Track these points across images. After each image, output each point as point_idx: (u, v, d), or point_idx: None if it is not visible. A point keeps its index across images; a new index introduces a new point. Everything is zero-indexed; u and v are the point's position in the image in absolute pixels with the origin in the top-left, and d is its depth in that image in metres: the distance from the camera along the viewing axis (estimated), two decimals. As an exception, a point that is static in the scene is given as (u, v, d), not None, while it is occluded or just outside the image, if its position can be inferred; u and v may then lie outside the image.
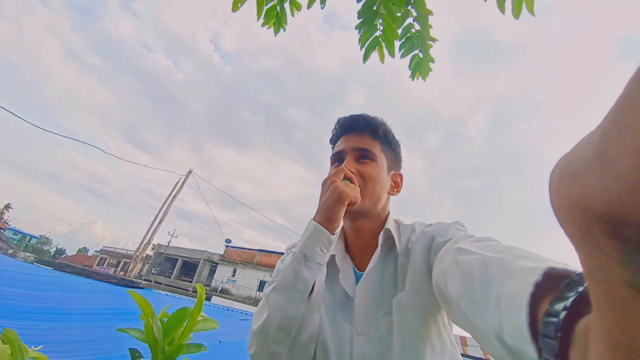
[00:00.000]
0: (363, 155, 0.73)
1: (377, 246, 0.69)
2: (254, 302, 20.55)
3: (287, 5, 1.34)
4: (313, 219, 0.64)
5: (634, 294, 0.11)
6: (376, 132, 0.75)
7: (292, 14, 1.37)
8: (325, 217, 0.63)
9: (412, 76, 1.39)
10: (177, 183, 13.64)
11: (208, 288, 24.36)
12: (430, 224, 0.71)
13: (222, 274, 25.37)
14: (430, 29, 1.23)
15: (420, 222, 0.74)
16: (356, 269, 0.72)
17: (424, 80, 1.40)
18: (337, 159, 0.76)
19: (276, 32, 1.40)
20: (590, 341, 0.16)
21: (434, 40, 1.27)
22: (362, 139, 0.74)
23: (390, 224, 0.72)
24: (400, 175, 0.81)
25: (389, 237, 0.70)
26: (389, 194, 0.76)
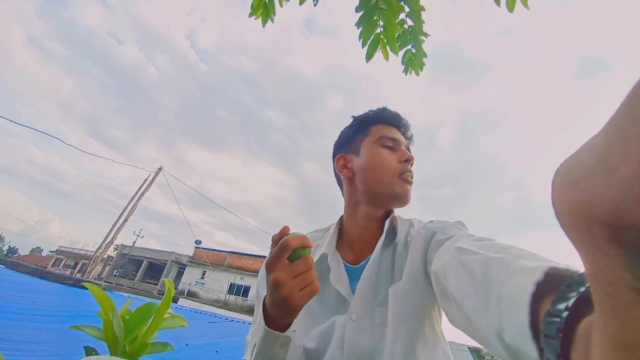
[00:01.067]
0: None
1: (378, 235, 0.69)
2: (223, 304, 20.01)
3: None
4: (264, 311, 0.54)
5: (637, 296, 0.11)
6: (411, 140, 0.80)
7: (281, 5, 1.36)
8: (283, 322, 0.54)
9: (405, 71, 1.40)
10: (146, 180, 13.01)
11: (175, 291, 23.35)
12: (432, 221, 0.71)
13: (191, 276, 24.50)
14: (423, 24, 1.25)
15: (417, 219, 0.75)
16: (348, 265, 0.71)
17: (417, 74, 1.42)
18: (391, 143, 0.75)
19: (264, 22, 1.38)
20: (592, 342, 0.16)
21: (426, 35, 1.29)
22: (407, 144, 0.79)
23: (395, 214, 0.73)
24: None
25: (394, 226, 0.71)
26: None
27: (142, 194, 12.75)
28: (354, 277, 0.68)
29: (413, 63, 1.38)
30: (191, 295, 22.62)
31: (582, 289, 0.22)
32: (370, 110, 0.80)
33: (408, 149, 0.77)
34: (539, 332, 0.24)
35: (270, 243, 0.54)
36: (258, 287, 0.73)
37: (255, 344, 0.55)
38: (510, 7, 0.99)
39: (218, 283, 22.77)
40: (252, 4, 1.34)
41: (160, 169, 13.20)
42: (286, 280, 0.49)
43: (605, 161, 0.11)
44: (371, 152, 0.74)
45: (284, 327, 0.54)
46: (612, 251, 0.12)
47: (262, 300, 0.55)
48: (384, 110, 0.79)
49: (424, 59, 1.38)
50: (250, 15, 1.37)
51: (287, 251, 0.49)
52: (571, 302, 0.21)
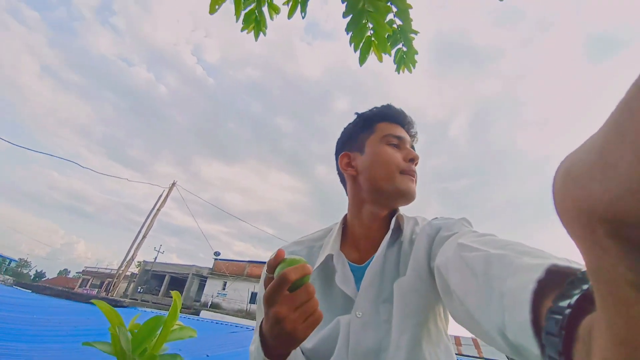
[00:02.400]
0: None
1: (383, 233, 0.70)
2: (246, 314, 20.15)
3: (265, 9, 1.34)
4: (262, 345, 0.52)
5: (638, 293, 0.11)
6: (415, 137, 0.80)
7: (272, 18, 1.38)
8: (282, 352, 0.52)
9: (398, 69, 1.40)
10: (161, 196, 13.33)
11: (198, 303, 23.75)
12: (436, 218, 0.71)
13: (212, 288, 24.80)
14: (412, 22, 1.25)
15: (421, 217, 0.75)
16: (352, 264, 0.70)
17: (410, 72, 1.42)
18: (396, 141, 0.74)
19: (256, 36, 1.40)
20: (593, 339, 0.16)
21: (415, 32, 1.29)
22: (411, 142, 0.79)
23: (400, 212, 0.73)
24: None
25: (399, 224, 0.71)
26: None
27: (158, 209, 13.06)
28: (359, 277, 0.67)
29: (405, 61, 1.38)
30: (214, 307, 22.89)
31: (585, 287, 0.22)
32: (374, 107, 0.79)
33: (413, 147, 0.76)
34: (541, 329, 0.24)
35: (266, 268, 0.52)
36: (259, 297, 0.72)
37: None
38: None
39: (239, 293, 22.97)
40: (243, 19, 1.37)
41: (173, 184, 13.51)
42: (288, 314, 0.46)
43: (604, 158, 0.12)
44: (377, 150, 0.74)
45: (284, 356, 0.52)
46: (613, 248, 0.12)
47: (259, 328, 0.53)
48: (388, 107, 0.78)
49: (416, 56, 1.38)
50: (242, 30, 1.39)
51: (287, 284, 0.46)
52: (574, 299, 0.21)
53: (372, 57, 1.28)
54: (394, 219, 0.70)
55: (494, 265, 0.37)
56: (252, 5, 1.31)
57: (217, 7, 1.17)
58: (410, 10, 1.21)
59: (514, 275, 0.33)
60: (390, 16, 1.22)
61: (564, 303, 0.22)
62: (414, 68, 1.42)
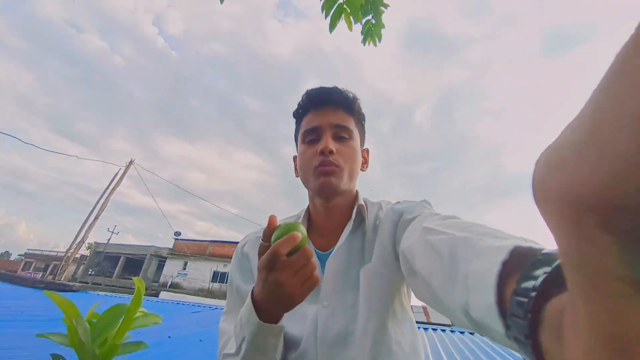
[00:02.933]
0: (341, 133, 0.69)
1: (346, 223, 0.69)
2: (207, 293, 19.95)
3: None
4: (255, 306, 0.52)
5: (626, 287, 0.11)
6: (352, 108, 0.72)
7: None
8: (278, 314, 0.54)
9: (364, 41, 1.38)
10: (116, 175, 12.40)
11: (156, 284, 23.01)
12: (399, 202, 0.72)
13: (172, 268, 24.11)
14: None
15: (386, 201, 0.75)
16: (318, 251, 0.71)
17: (375, 45, 1.40)
18: (311, 135, 0.70)
19: None
20: (567, 328, 0.16)
21: (386, 6, 1.28)
22: (338, 115, 0.70)
23: (361, 201, 0.73)
24: (368, 151, 0.81)
25: (360, 212, 0.71)
26: (361, 170, 0.76)
27: (113, 189, 12.17)
28: (325, 263, 0.68)
29: (372, 33, 1.36)
30: (174, 287, 22.36)
31: (549, 269, 0.22)
32: (301, 98, 0.74)
33: (337, 126, 0.69)
34: (506, 310, 0.25)
35: (261, 236, 0.53)
36: (232, 277, 0.73)
37: (243, 338, 0.54)
38: None
39: (201, 273, 22.60)
40: None
41: (131, 162, 12.59)
42: (288, 279, 0.48)
43: (598, 131, 0.10)
44: (299, 151, 0.73)
45: (277, 319, 0.54)
46: (602, 239, 0.11)
47: (250, 294, 0.54)
48: (307, 94, 0.73)
49: (382, 30, 1.37)
50: None
51: (280, 257, 0.47)
52: (539, 281, 0.21)
53: (345, 31, 1.25)
54: (354, 210, 0.71)
55: (459, 248, 0.38)
56: None
57: None
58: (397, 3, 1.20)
59: (478, 257, 0.33)
60: None
61: (528, 285, 0.22)
62: (379, 42, 1.40)
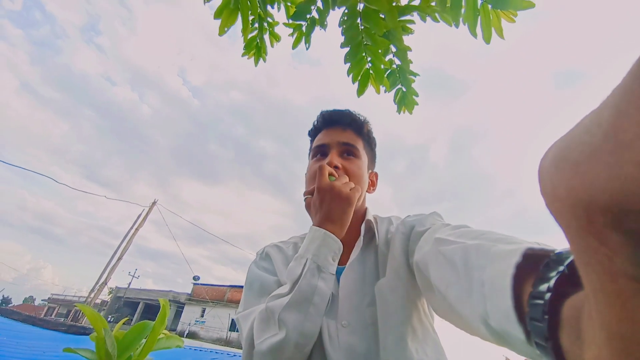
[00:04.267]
0: (348, 151, 0.73)
1: (357, 239, 0.70)
2: (225, 343, 19.09)
3: (266, 37, 1.39)
4: (319, 226, 0.62)
5: (636, 286, 0.11)
6: (361, 130, 0.76)
7: (272, 45, 1.42)
8: (338, 225, 0.62)
9: (399, 110, 1.41)
10: (140, 215, 12.82)
11: (174, 332, 22.32)
12: (409, 215, 0.73)
13: (190, 315, 23.57)
14: (411, 64, 1.27)
15: (396, 216, 0.76)
16: None
17: (410, 113, 1.42)
18: (320, 152, 0.74)
19: (256, 62, 1.43)
20: (585, 327, 0.16)
21: (415, 74, 1.31)
22: (347, 134, 0.74)
23: (370, 217, 0.73)
24: (376, 174, 0.82)
25: (370, 228, 0.71)
26: (367, 192, 0.77)
27: (137, 229, 12.48)
28: (339, 276, 0.67)
29: (405, 102, 1.39)
30: (191, 336, 21.61)
31: (561, 268, 0.21)
32: (316, 118, 0.80)
33: (344, 144, 0.73)
34: (524, 314, 0.24)
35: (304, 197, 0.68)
36: (253, 276, 0.71)
37: (306, 261, 0.59)
38: (487, 39, 1.01)
39: (219, 320, 21.89)
40: (245, 45, 1.38)
41: (154, 203, 13.02)
42: (338, 184, 0.63)
43: (615, 137, 0.10)
44: (308, 167, 0.77)
45: (342, 231, 0.62)
46: (613, 239, 0.11)
47: (312, 227, 0.63)
48: (321, 115, 0.78)
49: (415, 98, 1.38)
50: (243, 55, 1.41)
51: (326, 170, 0.65)
52: (552, 282, 0.21)
53: (369, 89, 1.29)
54: (362, 226, 0.71)
55: (472, 256, 0.37)
56: (254, 33, 1.35)
57: (226, 29, 1.21)
58: (410, 53, 1.23)
59: (492, 263, 0.33)
60: (389, 56, 1.26)
61: (544, 287, 0.22)
62: (413, 110, 1.42)
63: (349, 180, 0.68)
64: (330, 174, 0.66)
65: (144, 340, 0.86)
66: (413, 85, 1.34)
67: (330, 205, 0.62)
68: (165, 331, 0.89)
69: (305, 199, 0.68)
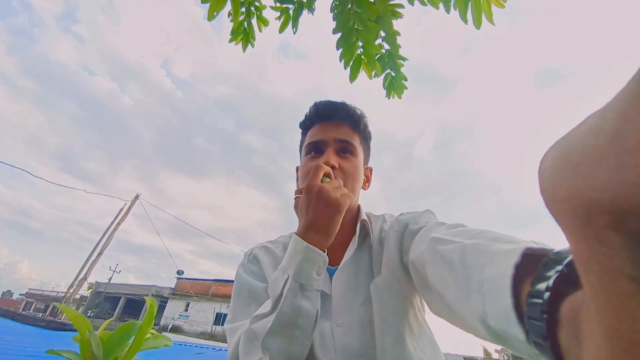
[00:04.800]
0: (345, 149, 0.69)
1: (351, 238, 0.69)
2: (210, 337, 18.99)
3: (254, 21, 1.34)
4: (300, 237, 0.55)
5: (635, 286, 0.11)
6: (357, 125, 0.72)
7: (260, 30, 1.37)
8: (323, 234, 0.56)
9: (388, 95, 1.39)
10: (122, 209, 12.45)
11: (157, 327, 22.05)
12: (402, 213, 0.72)
13: (173, 309, 23.26)
14: (400, 49, 1.26)
15: (389, 214, 0.75)
16: (328, 266, 0.71)
17: (400, 98, 1.41)
18: (315, 149, 0.70)
19: (244, 47, 1.38)
20: (584, 326, 0.16)
21: (404, 59, 1.30)
22: (343, 130, 0.70)
23: (364, 216, 0.72)
24: (371, 170, 0.81)
25: (365, 227, 0.70)
26: (362, 188, 0.75)
27: (118, 224, 12.13)
28: (332, 276, 0.67)
29: (394, 86, 1.38)
30: (175, 330, 21.37)
31: (560, 267, 0.21)
32: (309, 109, 0.75)
33: (341, 141, 0.70)
34: (523, 314, 0.24)
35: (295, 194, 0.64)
36: (241, 280, 0.69)
37: (286, 279, 0.53)
38: (477, 24, 1.01)
39: (204, 314, 21.71)
40: (232, 29, 1.34)
41: (136, 196, 12.64)
42: (329, 187, 0.57)
43: (619, 142, 0.10)
44: (302, 164, 0.73)
45: (321, 249, 0.56)
46: (612, 239, 0.11)
47: (294, 235, 0.58)
48: (315, 106, 0.73)
49: (405, 82, 1.38)
50: (230, 40, 1.37)
51: (322, 170, 0.60)
52: (551, 281, 0.21)
53: (341, 72, 1.28)
54: (358, 226, 0.70)
55: (470, 255, 0.37)
56: (242, 17, 1.31)
57: (215, 13, 1.16)
58: (399, 38, 1.23)
59: (491, 262, 0.33)
60: (379, 40, 1.24)
61: (542, 286, 0.22)
62: (402, 94, 1.41)
63: (346, 180, 0.66)
64: (327, 175, 0.61)
65: (130, 341, 0.83)
66: (402, 69, 1.33)
67: (317, 210, 0.56)
68: (153, 330, 0.86)
69: (295, 198, 0.64)
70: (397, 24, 1.18)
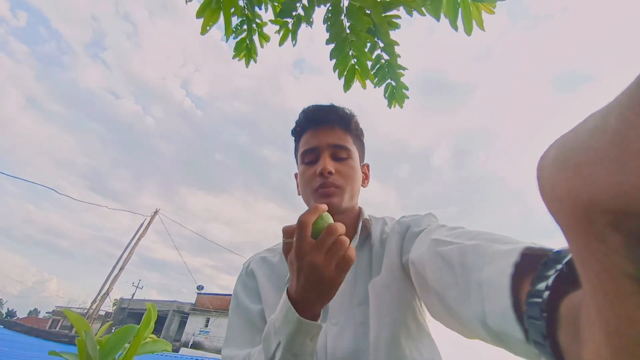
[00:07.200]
0: (340, 152, 0.69)
1: (351, 238, 0.68)
2: (230, 353, 18.90)
3: (256, 38, 1.40)
4: (292, 303, 0.48)
5: (634, 285, 0.11)
6: (349, 125, 0.72)
7: (262, 46, 1.43)
8: (318, 305, 0.49)
9: (389, 105, 1.40)
10: (142, 224, 12.81)
11: (178, 343, 22.22)
12: (404, 216, 0.72)
13: (194, 325, 23.41)
14: (399, 59, 1.27)
15: (390, 217, 0.75)
16: None
17: (401, 107, 1.42)
18: (310, 156, 0.70)
19: (247, 63, 1.44)
20: (583, 325, 0.16)
21: (403, 68, 1.31)
22: (336, 134, 0.70)
23: (366, 216, 0.72)
24: (368, 166, 0.81)
25: (366, 227, 0.70)
26: (362, 186, 0.76)
27: (139, 239, 12.47)
28: None
29: (395, 96, 1.38)
30: (195, 346, 21.47)
31: (559, 267, 0.21)
32: (298, 116, 0.75)
33: (335, 146, 0.69)
34: (522, 313, 0.24)
35: (283, 235, 0.51)
36: (237, 298, 0.71)
37: (278, 343, 0.48)
38: (468, 31, 1.01)
39: (223, 329, 21.69)
40: (235, 47, 1.40)
41: (156, 212, 13.01)
42: (321, 260, 0.45)
43: (620, 145, 0.10)
44: (299, 172, 0.74)
45: (316, 316, 0.49)
46: (611, 238, 0.11)
47: (285, 293, 0.50)
48: (304, 113, 0.73)
49: (406, 92, 1.38)
50: (234, 57, 1.43)
51: (307, 228, 0.46)
52: (551, 280, 0.21)
53: (358, 86, 1.30)
54: (359, 226, 0.70)
55: (469, 256, 0.37)
56: (244, 35, 1.37)
57: (208, 28, 1.22)
58: (398, 48, 1.23)
59: (490, 263, 0.33)
60: (377, 51, 1.26)
61: (542, 285, 0.22)
62: (403, 104, 1.41)
63: (345, 184, 0.66)
64: (324, 210, 0.49)
65: (127, 344, 0.83)
66: (402, 79, 1.34)
67: (307, 284, 0.47)
68: (152, 335, 0.87)
69: (284, 243, 0.51)
70: (407, 34, 1.21)
